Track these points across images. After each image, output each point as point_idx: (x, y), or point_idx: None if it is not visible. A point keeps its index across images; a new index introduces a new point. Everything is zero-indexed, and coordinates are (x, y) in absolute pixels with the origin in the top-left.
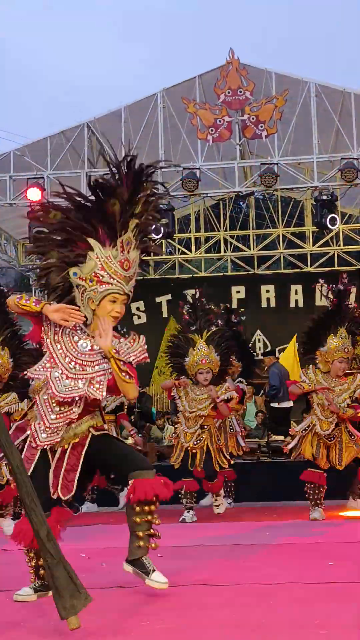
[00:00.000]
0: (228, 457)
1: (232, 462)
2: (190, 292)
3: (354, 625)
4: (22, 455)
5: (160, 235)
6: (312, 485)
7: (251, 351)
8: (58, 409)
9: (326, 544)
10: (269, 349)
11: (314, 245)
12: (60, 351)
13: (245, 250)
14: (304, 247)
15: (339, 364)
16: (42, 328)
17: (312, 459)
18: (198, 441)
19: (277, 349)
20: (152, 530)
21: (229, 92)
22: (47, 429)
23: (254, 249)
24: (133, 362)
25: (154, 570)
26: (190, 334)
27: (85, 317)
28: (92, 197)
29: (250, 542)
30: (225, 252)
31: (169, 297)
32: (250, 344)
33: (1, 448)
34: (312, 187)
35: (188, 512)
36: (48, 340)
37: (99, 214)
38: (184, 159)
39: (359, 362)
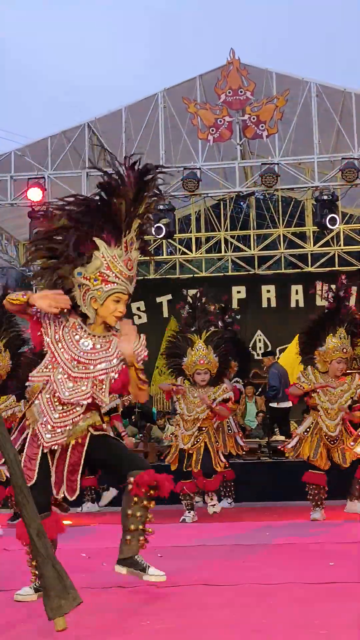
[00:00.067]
0: (224, 460)
1: (227, 465)
2: (191, 292)
3: (355, 625)
4: (24, 455)
5: (162, 235)
6: (314, 487)
7: (247, 350)
8: (61, 407)
9: (326, 544)
10: (269, 349)
11: (314, 245)
12: (62, 350)
13: (245, 251)
14: (304, 247)
15: (337, 364)
16: (41, 328)
17: (308, 460)
18: (195, 442)
19: (277, 349)
20: (145, 526)
21: (229, 92)
22: (52, 429)
23: (254, 249)
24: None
25: (149, 566)
26: (189, 334)
27: (71, 302)
28: (97, 197)
29: (251, 542)
30: (225, 252)
31: (169, 297)
32: (250, 344)
33: None
34: (312, 187)
35: (189, 512)
36: (48, 339)
37: (104, 214)
38: (184, 159)
39: (359, 362)
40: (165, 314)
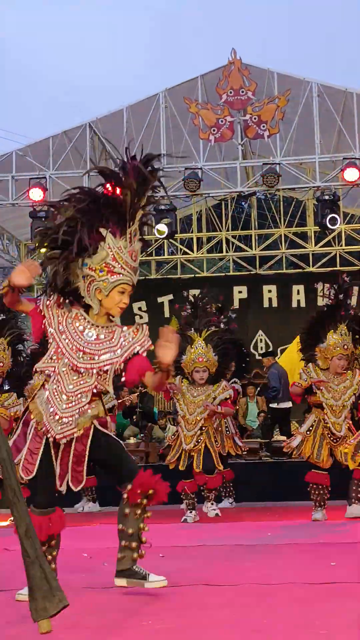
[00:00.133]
0: (221, 463)
1: (224, 466)
2: (192, 292)
3: (355, 625)
4: (25, 448)
5: (163, 235)
6: (316, 487)
7: (245, 350)
8: (66, 398)
9: (327, 545)
10: (270, 349)
11: (316, 245)
12: (67, 341)
13: (247, 251)
14: (306, 247)
15: (337, 360)
16: (43, 318)
17: (310, 460)
18: (197, 442)
19: (279, 349)
20: (141, 536)
21: (231, 92)
22: (60, 420)
23: (256, 249)
24: (140, 352)
25: (148, 574)
26: (189, 333)
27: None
28: (102, 189)
29: (251, 543)
30: (227, 252)
31: (170, 297)
32: (251, 344)
33: None
34: (314, 187)
35: (190, 512)
36: (52, 329)
37: (110, 205)
38: (185, 159)
39: None
40: (167, 314)
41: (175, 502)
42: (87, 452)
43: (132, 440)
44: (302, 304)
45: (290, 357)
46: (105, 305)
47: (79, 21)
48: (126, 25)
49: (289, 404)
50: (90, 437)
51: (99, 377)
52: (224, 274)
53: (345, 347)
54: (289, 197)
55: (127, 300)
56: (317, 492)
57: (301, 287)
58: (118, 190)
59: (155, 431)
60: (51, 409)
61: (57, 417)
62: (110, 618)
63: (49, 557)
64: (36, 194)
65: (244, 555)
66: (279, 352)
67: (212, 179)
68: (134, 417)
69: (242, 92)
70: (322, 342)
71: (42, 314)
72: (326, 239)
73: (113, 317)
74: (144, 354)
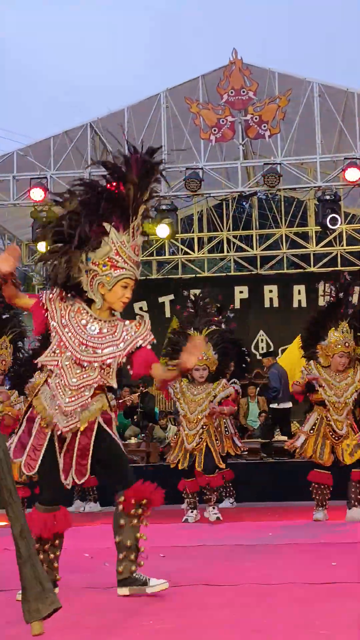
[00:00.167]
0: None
1: (224, 465)
2: (194, 292)
3: (355, 625)
4: (29, 444)
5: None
6: (318, 486)
7: (244, 350)
8: (70, 392)
9: (328, 545)
10: (271, 349)
11: (317, 245)
12: (69, 334)
13: (248, 250)
14: (307, 247)
15: (339, 358)
16: (44, 312)
17: (312, 459)
18: (199, 441)
19: (280, 349)
20: (138, 544)
21: (232, 92)
22: (64, 413)
23: (256, 249)
24: (143, 346)
25: (149, 579)
26: (189, 331)
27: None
28: (106, 184)
29: (252, 543)
30: (228, 252)
31: (171, 297)
32: (252, 344)
33: None
34: (315, 187)
35: (191, 512)
36: (55, 323)
37: (114, 199)
38: (186, 159)
39: None
40: (168, 314)
41: (176, 502)
42: (91, 446)
43: (133, 440)
44: (303, 304)
45: (290, 357)
46: (108, 300)
47: (79, 21)
48: (126, 25)
49: (289, 405)
50: (94, 432)
51: (102, 370)
52: (225, 274)
53: (347, 344)
54: (290, 197)
55: (130, 295)
56: (318, 492)
57: (302, 287)
58: (121, 185)
59: (156, 431)
60: (55, 403)
61: (62, 411)
62: (110, 618)
63: (52, 555)
64: (37, 194)
65: (244, 555)
66: (280, 352)
67: (213, 179)
68: (135, 417)
69: (243, 92)
70: (324, 340)
71: (45, 307)
72: (327, 239)
73: (115, 311)
74: (149, 347)
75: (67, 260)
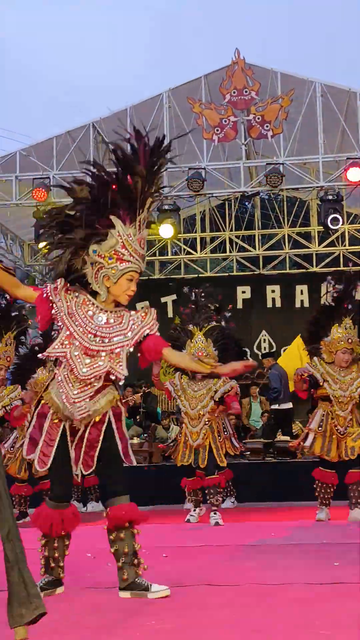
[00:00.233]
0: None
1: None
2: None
3: (356, 625)
4: (42, 440)
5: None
6: (322, 484)
7: (243, 350)
8: (79, 384)
9: (330, 545)
10: (274, 349)
11: (319, 245)
12: (77, 325)
13: (250, 251)
14: (309, 247)
15: (342, 354)
16: (50, 305)
17: (321, 456)
18: (203, 437)
19: (282, 350)
20: (135, 550)
21: (234, 92)
22: (75, 404)
23: (259, 249)
24: (151, 334)
25: (150, 585)
26: (189, 327)
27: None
28: (114, 175)
29: (254, 543)
30: (230, 252)
31: (174, 297)
32: (254, 344)
33: None
34: (317, 187)
35: (194, 510)
36: (62, 314)
37: (121, 191)
38: (189, 159)
39: None
40: (170, 314)
41: (178, 502)
42: (101, 438)
43: (135, 440)
44: (306, 304)
45: (290, 358)
46: (113, 293)
47: (79, 21)
48: (126, 25)
49: (289, 405)
50: (105, 425)
51: (112, 360)
52: (227, 274)
53: (350, 340)
54: (292, 197)
55: (135, 288)
56: (321, 490)
57: (305, 287)
58: (129, 177)
59: (158, 431)
60: (65, 395)
61: (71, 402)
62: (110, 618)
63: (57, 554)
64: (40, 195)
65: (246, 555)
66: (282, 352)
67: (216, 179)
68: (138, 417)
69: (246, 92)
70: (327, 336)
71: (50, 299)
72: (330, 239)
73: (120, 304)
74: (157, 333)
75: (73, 253)
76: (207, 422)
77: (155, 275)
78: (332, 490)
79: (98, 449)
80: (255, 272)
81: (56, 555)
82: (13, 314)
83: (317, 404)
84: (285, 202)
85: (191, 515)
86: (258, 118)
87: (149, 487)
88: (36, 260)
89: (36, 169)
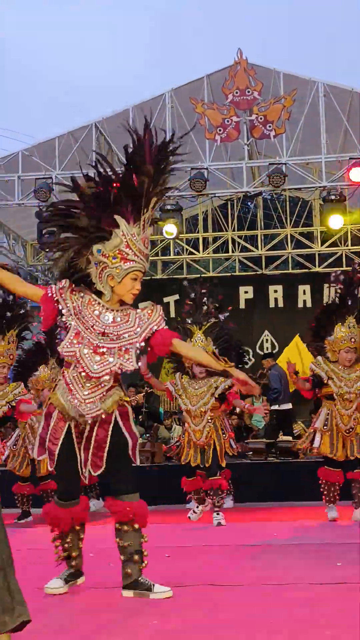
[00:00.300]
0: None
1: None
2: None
3: (359, 625)
4: (47, 442)
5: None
6: (327, 483)
7: (242, 349)
8: (89, 384)
9: (332, 545)
10: (276, 349)
11: (322, 245)
12: (86, 324)
13: (253, 251)
14: (312, 247)
15: (345, 353)
16: (55, 304)
17: (328, 455)
18: (207, 435)
19: (285, 350)
20: (141, 547)
21: (237, 92)
22: (84, 403)
23: (261, 249)
24: (158, 329)
25: (153, 585)
26: (189, 325)
27: None
28: (121, 174)
29: (256, 543)
30: (233, 252)
31: (176, 297)
32: (257, 344)
33: None
34: (320, 187)
35: (197, 507)
36: (68, 314)
37: (127, 191)
38: (192, 159)
39: None
40: (173, 314)
41: (180, 502)
42: (108, 438)
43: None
44: (308, 304)
45: (289, 358)
46: (117, 292)
47: (79, 21)
48: (126, 25)
49: (289, 406)
50: (112, 423)
51: (121, 357)
52: (229, 274)
53: (353, 340)
54: (295, 197)
55: (139, 287)
56: (327, 489)
57: (307, 287)
58: (134, 177)
59: (160, 431)
60: (73, 395)
61: (80, 401)
62: (113, 618)
63: (71, 547)
64: (42, 195)
65: (248, 555)
66: (284, 352)
67: (218, 179)
68: (140, 417)
69: (248, 92)
70: (330, 335)
71: (55, 299)
72: (332, 239)
73: (125, 303)
74: (165, 327)
75: (77, 252)
76: (210, 420)
77: (157, 275)
78: (338, 488)
79: (107, 449)
80: (257, 272)
81: (71, 547)
82: (21, 312)
83: (320, 404)
84: (287, 202)
85: (193, 512)
86: (260, 118)
87: (152, 487)
88: (38, 260)
89: (38, 169)
